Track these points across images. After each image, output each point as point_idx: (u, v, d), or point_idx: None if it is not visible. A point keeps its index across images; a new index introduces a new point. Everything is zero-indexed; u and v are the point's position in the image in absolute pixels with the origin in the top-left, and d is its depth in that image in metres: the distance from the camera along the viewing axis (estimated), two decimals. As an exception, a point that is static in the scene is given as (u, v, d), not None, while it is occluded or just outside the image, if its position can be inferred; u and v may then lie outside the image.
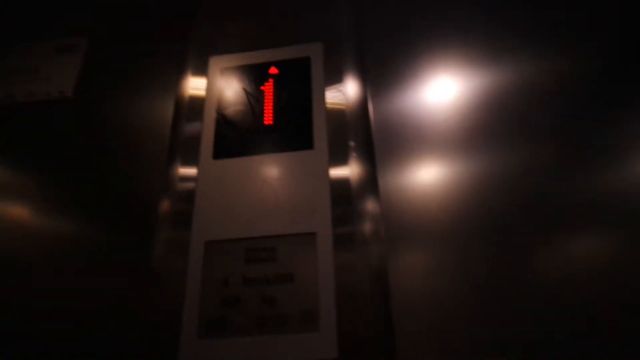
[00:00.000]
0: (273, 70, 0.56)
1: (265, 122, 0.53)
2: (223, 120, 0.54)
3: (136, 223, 0.52)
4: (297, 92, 0.54)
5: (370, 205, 0.49)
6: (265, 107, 0.53)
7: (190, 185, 0.51)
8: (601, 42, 0.55)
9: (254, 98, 0.55)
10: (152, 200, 0.52)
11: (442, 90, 0.56)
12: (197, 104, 0.56)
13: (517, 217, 0.47)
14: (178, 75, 0.61)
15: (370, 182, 0.50)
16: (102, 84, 0.65)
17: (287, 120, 0.52)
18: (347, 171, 0.49)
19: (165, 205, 0.51)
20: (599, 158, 0.48)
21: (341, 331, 0.42)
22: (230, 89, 0.56)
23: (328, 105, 0.53)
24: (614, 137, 0.49)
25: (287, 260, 0.45)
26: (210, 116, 0.54)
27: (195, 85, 0.58)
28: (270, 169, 0.50)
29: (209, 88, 0.56)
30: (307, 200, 0.48)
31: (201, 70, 0.59)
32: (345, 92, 0.54)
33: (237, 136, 0.52)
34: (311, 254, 0.45)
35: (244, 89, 0.55)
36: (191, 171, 0.52)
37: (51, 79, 0.69)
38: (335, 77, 0.55)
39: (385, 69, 0.57)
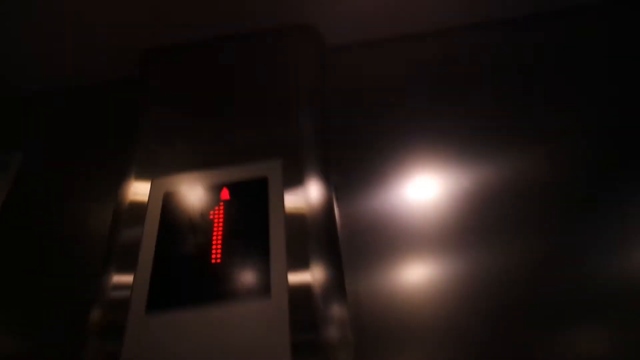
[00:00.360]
0: (224, 194, 0.47)
1: (212, 262, 0.43)
2: (161, 261, 0.44)
3: (70, 333, 0.47)
4: (252, 222, 0.45)
5: (336, 312, 0.42)
6: (213, 243, 0.44)
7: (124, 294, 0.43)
8: (586, 139, 0.54)
9: (200, 230, 0.45)
10: (85, 312, 0.45)
11: (415, 189, 0.54)
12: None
13: (500, 321, 0.44)
14: (117, 192, 0.52)
15: (337, 288, 0.44)
16: (36, 200, 0.61)
17: (239, 260, 0.43)
18: (309, 279, 0.42)
19: (96, 316, 0.44)
20: (584, 256, 0.46)
21: None
22: (172, 218, 0.47)
23: (289, 210, 0.45)
24: (601, 233, 0.48)
25: None
26: (147, 254, 0.45)
27: (134, 208, 0.49)
28: (217, 324, 0.40)
29: (148, 218, 0.47)
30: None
31: (142, 188, 0.50)
32: (308, 196, 0.47)
33: (178, 281, 0.42)
34: None
35: (189, 220, 0.46)
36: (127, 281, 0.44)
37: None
38: (296, 181, 0.47)
39: (351, 171, 0.55)
